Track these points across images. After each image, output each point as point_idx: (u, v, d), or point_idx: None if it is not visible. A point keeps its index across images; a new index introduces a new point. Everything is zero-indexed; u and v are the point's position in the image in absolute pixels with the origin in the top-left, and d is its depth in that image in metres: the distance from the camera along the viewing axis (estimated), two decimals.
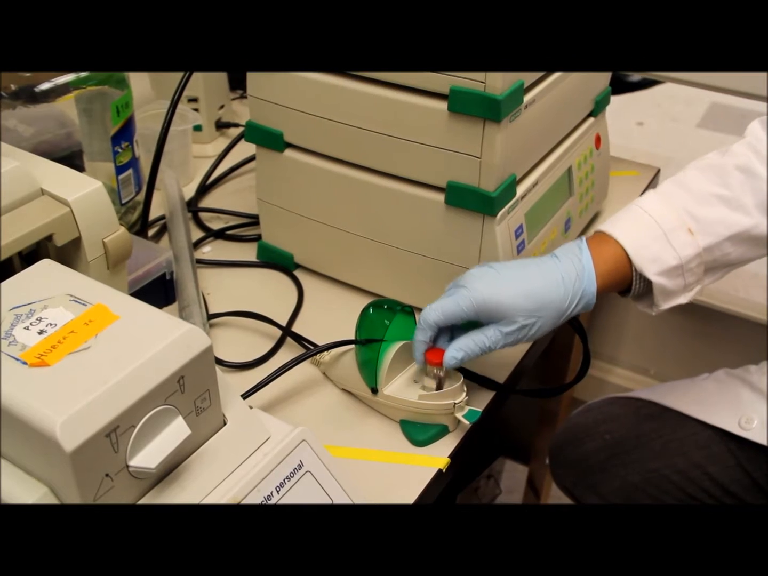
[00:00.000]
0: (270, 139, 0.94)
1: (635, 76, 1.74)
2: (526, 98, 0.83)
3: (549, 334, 0.95)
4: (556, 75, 0.89)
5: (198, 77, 1.22)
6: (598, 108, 1.05)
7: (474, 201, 0.84)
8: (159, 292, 0.92)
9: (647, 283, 0.80)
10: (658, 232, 0.78)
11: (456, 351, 0.76)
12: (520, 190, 0.88)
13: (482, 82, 0.77)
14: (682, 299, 0.82)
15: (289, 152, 0.94)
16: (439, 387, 0.79)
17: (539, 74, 0.85)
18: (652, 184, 1.23)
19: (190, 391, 0.54)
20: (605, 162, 1.12)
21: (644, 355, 1.57)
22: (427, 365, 0.79)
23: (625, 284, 0.80)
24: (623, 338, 1.57)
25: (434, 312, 0.76)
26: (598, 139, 1.07)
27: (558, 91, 0.90)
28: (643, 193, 1.01)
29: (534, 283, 0.75)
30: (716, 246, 0.79)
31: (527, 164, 0.91)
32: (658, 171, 1.26)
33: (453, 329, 0.79)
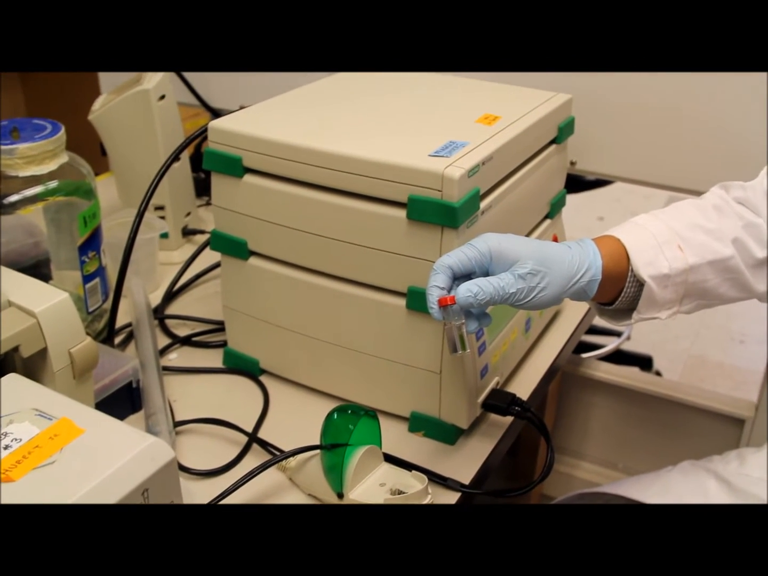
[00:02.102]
0: (234, 248, 0.96)
1: (591, 177, 1.80)
2: (483, 204, 0.86)
3: (517, 425, 0.96)
4: (512, 181, 0.92)
5: (164, 185, 1.24)
6: (554, 210, 1.09)
7: None
8: (125, 400, 0.93)
9: (636, 289, 0.83)
10: (653, 242, 0.83)
11: (471, 284, 0.74)
12: None
13: (439, 191, 0.80)
14: (662, 314, 0.85)
15: (253, 260, 0.96)
16: (460, 346, 0.76)
17: (495, 181, 0.89)
18: None
19: (155, 502, 0.55)
20: None
21: (611, 449, 1.58)
22: (444, 325, 0.76)
23: (619, 283, 0.83)
24: (589, 433, 1.58)
25: (448, 256, 0.76)
26: (555, 240, 1.10)
27: (514, 196, 0.93)
28: None
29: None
30: (699, 268, 0.83)
31: None
32: None
33: None
